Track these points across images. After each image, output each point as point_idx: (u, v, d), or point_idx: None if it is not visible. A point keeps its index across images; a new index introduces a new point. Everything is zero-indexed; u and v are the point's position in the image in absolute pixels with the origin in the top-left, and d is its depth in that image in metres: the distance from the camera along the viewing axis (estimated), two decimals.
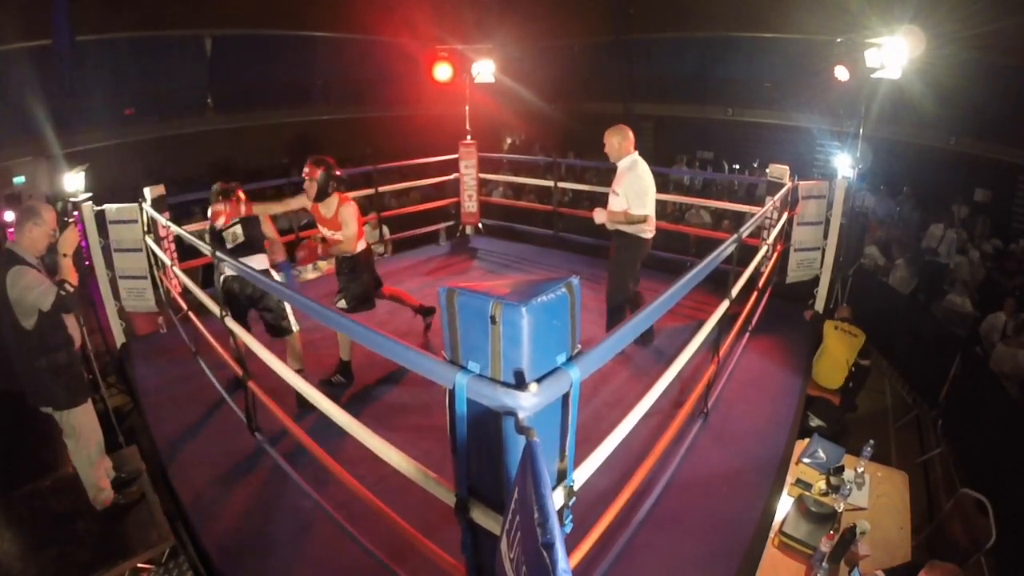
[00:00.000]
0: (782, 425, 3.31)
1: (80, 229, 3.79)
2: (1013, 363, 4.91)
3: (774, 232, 4.24)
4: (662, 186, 3.83)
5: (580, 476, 1.60)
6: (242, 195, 3.53)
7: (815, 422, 3.75)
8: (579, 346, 1.49)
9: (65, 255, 2.58)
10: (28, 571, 2.49)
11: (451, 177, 6.29)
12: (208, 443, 3.22)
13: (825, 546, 2.31)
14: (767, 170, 4.70)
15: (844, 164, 4.57)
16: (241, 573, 2.41)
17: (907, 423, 4.64)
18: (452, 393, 1.40)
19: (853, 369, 4.03)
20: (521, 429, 1.24)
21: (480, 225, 6.50)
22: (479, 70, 6.01)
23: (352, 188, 3.78)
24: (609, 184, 3.85)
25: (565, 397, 1.41)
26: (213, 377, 3.62)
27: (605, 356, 1.54)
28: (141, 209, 4.14)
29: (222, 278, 3.28)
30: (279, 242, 3.75)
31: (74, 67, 8.51)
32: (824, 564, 2.30)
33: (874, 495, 2.81)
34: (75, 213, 4.02)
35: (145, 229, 4.21)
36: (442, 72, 5.84)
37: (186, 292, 3.98)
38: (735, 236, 2.82)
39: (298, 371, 3.55)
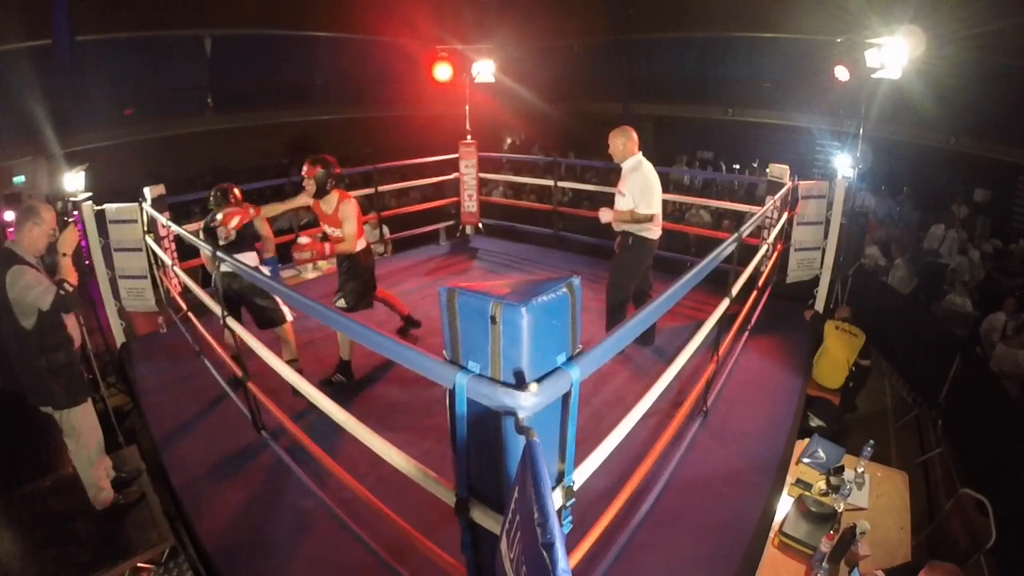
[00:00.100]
0: (782, 425, 3.31)
1: (80, 229, 3.81)
2: (1013, 363, 4.91)
3: (774, 232, 4.24)
4: (662, 186, 3.82)
5: (580, 476, 1.60)
6: (238, 192, 3.61)
7: (815, 422, 3.75)
8: (580, 346, 1.49)
9: (65, 255, 2.58)
10: (28, 571, 2.49)
11: (451, 177, 6.29)
12: (208, 443, 3.22)
13: (825, 546, 2.31)
14: (767, 170, 4.69)
15: (844, 164, 4.57)
16: (241, 573, 2.41)
17: (907, 423, 4.63)
18: (452, 393, 1.40)
19: (853, 369, 4.03)
20: (521, 429, 1.24)
21: (480, 225, 6.50)
22: (479, 70, 6.01)
23: (352, 188, 3.79)
24: (610, 184, 3.85)
25: (565, 397, 1.41)
26: (217, 375, 3.62)
27: (605, 356, 1.54)
28: (141, 209, 4.15)
29: (217, 274, 3.29)
30: (272, 240, 3.78)
31: (74, 67, 8.51)
32: (824, 564, 2.31)
33: (874, 495, 2.81)
34: (75, 213, 4.03)
35: (145, 229, 4.21)
36: (442, 72, 5.84)
37: (186, 292, 3.99)
38: (735, 236, 2.82)
39: (291, 361, 3.64)
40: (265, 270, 3.63)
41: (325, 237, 3.51)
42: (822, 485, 2.79)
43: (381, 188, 5.98)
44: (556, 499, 1.46)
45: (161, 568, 2.67)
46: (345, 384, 3.64)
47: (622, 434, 1.86)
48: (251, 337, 2.76)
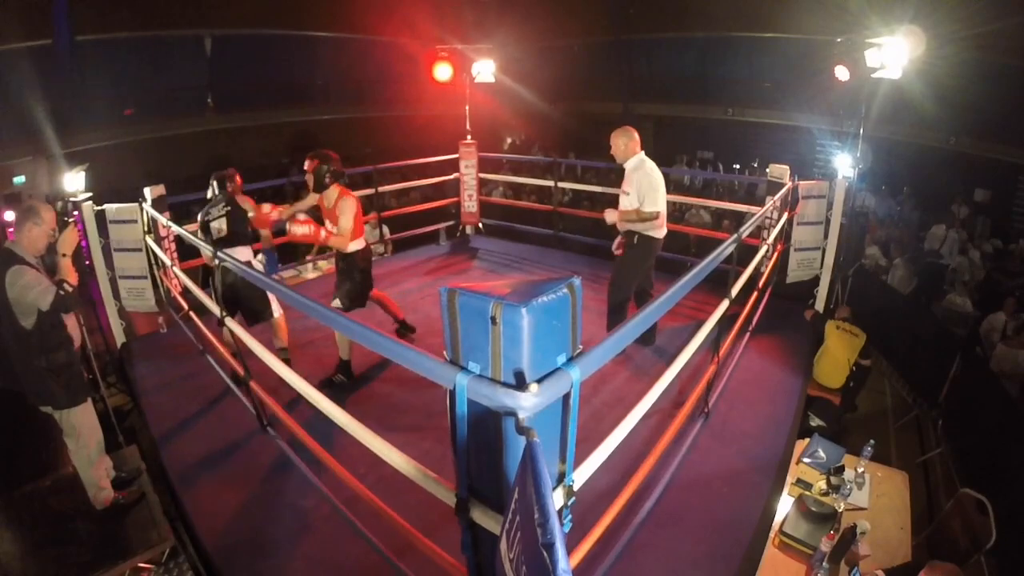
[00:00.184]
0: (782, 425, 3.31)
1: (80, 229, 3.82)
2: (1013, 363, 4.91)
3: (774, 232, 4.24)
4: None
5: (580, 476, 1.60)
6: (239, 179, 3.65)
7: (815, 422, 3.75)
8: (580, 346, 1.49)
9: (64, 255, 2.58)
10: (28, 571, 2.49)
11: (451, 177, 6.29)
12: (208, 443, 3.22)
13: (825, 546, 2.31)
14: (767, 170, 4.70)
15: (844, 164, 4.57)
16: (241, 573, 2.41)
17: (907, 423, 4.63)
18: (452, 393, 1.40)
19: (854, 369, 4.03)
20: (521, 429, 1.24)
21: (480, 225, 6.50)
22: (479, 70, 6.01)
23: (352, 188, 3.80)
24: (609, 184, 3.85)
25: (565, 397, 1.41)
26: (223, 372, 3.62)
27: (605, 356, 1.54)
28: (141, 209, 4.15)
29: (217, 272, 3.30)
30: (271, 240, 3.79)
31: (74, 67, 8.51)
32: (824, 564, 2.31)
33: (874, 495, 2.81)
34: (75, 213, 4.03)
35: (145, 229, 4.21)
36: (442, 72, 5.84)
37: (186, 292, 3.99)
38: (735, 236, 2.82)
39: (281, 350, 3.70)
40: (259, 265, 3.70)
41: (321, 222, 3.52)
42: (822, 485, 2.79)
43: (381, 188, 5.98)
44: (557, 499, 1.45)
45: (161, 568, 2.67)
46: (345, 384, 3.64)
47: (623, 434, 1.86)
48: (250, 337, 2.76)
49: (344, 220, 3.44)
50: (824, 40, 6.96)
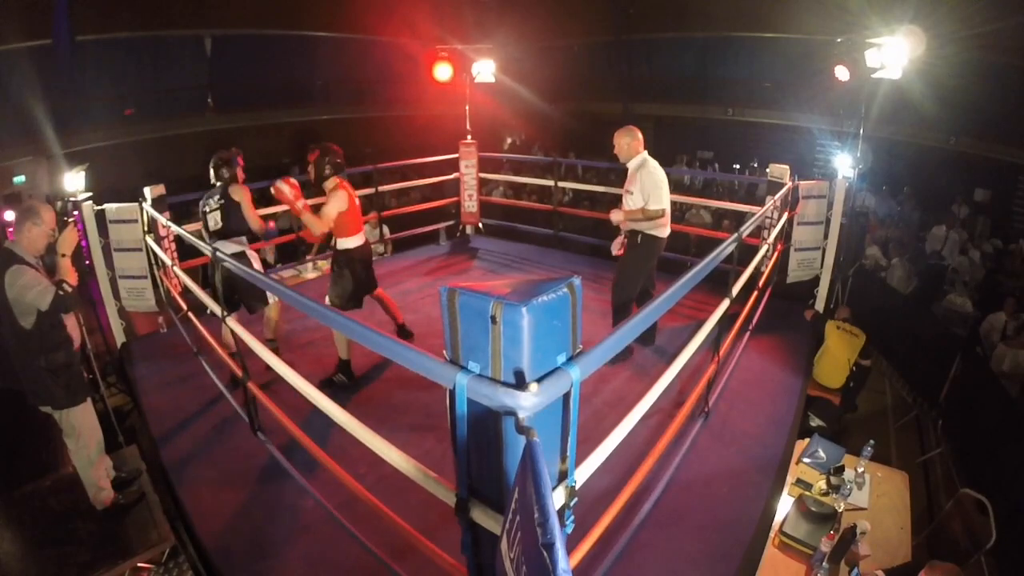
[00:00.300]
0: (782, 425, 3.31)
1: (80, 229, 3.81)
2: (1013, 363, 4.91)
3: (774, 232, 4.24)
4: None
5: (581, 476, 1.60)
6: (240, 161, 3.62)
7: (815, 422, 3.76)
8: (580, 346, 1.49)
9: (64, 255, 2.58)
10: (28, 571, 2.49)
11: (451, 177, 6.29)
12: (208, 443, 3.22)
13: (825, 546, 2.31)
14: (767, 170, 4.70)
15: (844, 164, 4.57)
16: (241, 573, 2.41)
17: (907, 423, 4.64)
18: (452, 393, 1.40)
19: (854, 369, 4.03)
20: (521, 429, 1.24)
21: (480, 225, 6.50)
22: (479, 70, 6.01)
23: (352, 187, 3.79)
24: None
25: (566, 397, 1.41)
26: (215, 376, 3.62)
27: (605, 356, 1.54)
28: (141, 209, 4.14)
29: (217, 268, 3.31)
30: (257, 221, 3.68)
31: (74, 67, 8.50)
32: (824, 564, 2.31)
33: (874, 495, 2.81)
34: (75, 213, 4.03)
35: (145, 229, 4.21)
36: (442, 72, 5.84)
37: (186, 292, 3.99)
38: (735, 236, 2.82)
39: (269, 340, 3.74)
40: (255, 261, 3.72)
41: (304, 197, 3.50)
42: (822, 485, 2.79)
43: (381, 188, 5.98)
44: (558, 499, 1.45)
45: (161, 568, 2.67)
46: (346, 384, 3.64)
47: (623, 434, 1.86)
48: (251, 337, 2.76)
49: (327, 208, 3.41)
50: (824, 40, 6.95)
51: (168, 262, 4.13)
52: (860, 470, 2.87)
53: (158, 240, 4.20)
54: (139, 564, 2.61)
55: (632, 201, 3.71)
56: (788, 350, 4.13)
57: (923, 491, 3.84)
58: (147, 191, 4.19)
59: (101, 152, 8.72)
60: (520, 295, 1.32)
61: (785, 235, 4.64)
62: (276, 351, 3.50)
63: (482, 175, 6.36)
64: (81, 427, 2.66)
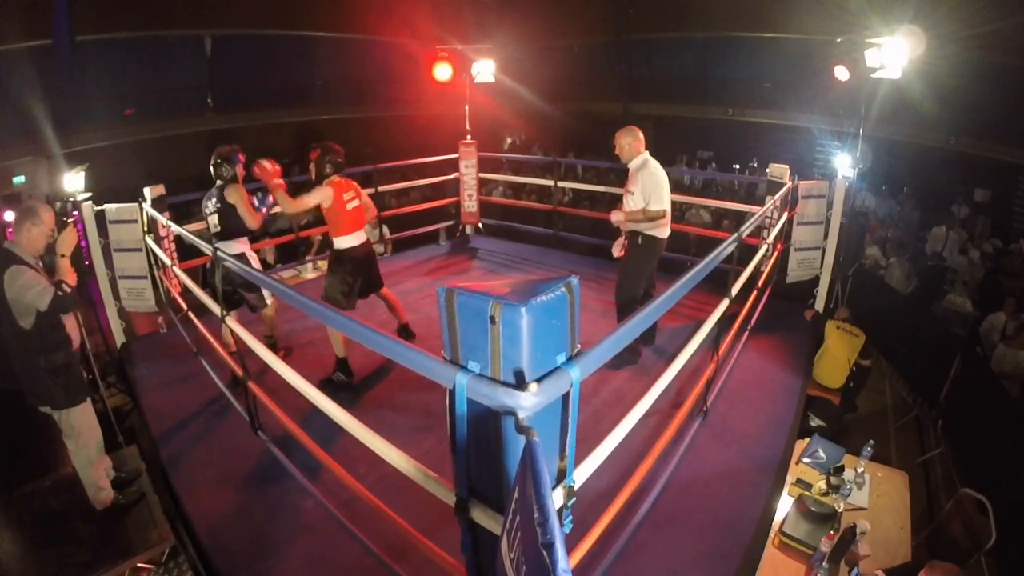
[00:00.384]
0: (782, 425, 3.31)
1: (80, 229, 3.81)
2: (1013, 363, 4.90)
3: (774, 232, 4.24)
4: None
5: (580, 476, 1.60)
6: (242, 157, 3.63)
7: (815, 422, 3.76)
8: (579, 346, 1.49)
9: (63, 255, 2.58)
10: (28, 571, 2.49)
11: (451, 177, 6.29)
12: (208, 443, 3.22)
13: (825, 546, 2.31)
14: (767, 170, 4.70)
15: (844, 164, 4.57)
16: (241, 573, 2.41)
17: (907, 423, 4.64)
18: (452, 393, 1.40)
19: (854, 369, 4.03)
20: (521, 429, 1.24)
21: (480, 225, 6.50)
22: (479, 70, 6.01)
23: (359, 187, 3.81)
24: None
25: (565, 397, 1.41)
26: (215, 376, 3.62)
27: (605, 356, 1.54)
28: (141, 209, 4.15)
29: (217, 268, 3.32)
30: (250, 213, 3.61)
31: (74, 67, 8.50)
32: (824, 564, 2.31)
33: (874, 495, 2.81)
34: (75, 213, 4.03)
35: (145, 229, 4.21)
36: (442, 72, 5.84)
37: (186, 292, 3.99)
38: (735, 235, 2.82)
39: (268, 337, 3.78)
40: (254, 260, 3.77)
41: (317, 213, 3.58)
42: (822, 485, 2.79)
43: (381, 188, 5.98)
44: (557, 499, 1.45)
45: (161, 568, 2.67)
46: (346, 382, 3.64)
47: (622, 434, 1.86)
48: (250, 337, 2.76)
49: (306, 196, 3.44)
50: (824, 40, 6.95)
51: (168, 262, 4.13)
52: (860, 470, 2.87)
53: (158, 240, 4.20)
54: (139, 564, 2.61)
55: (633, 201, 3.71)
56: (788, 350, 4.13)
57: (923, 491, 3.84)
58: (147, 191, 4.20)
59: (101, 152, 8.72)
60: (519, 295, 1.32)
61: (785, 235, 4.64)
62: (273, 347, 3.51)
63: (482, 175, 6.36)
64: (81, 427, 2.66)
